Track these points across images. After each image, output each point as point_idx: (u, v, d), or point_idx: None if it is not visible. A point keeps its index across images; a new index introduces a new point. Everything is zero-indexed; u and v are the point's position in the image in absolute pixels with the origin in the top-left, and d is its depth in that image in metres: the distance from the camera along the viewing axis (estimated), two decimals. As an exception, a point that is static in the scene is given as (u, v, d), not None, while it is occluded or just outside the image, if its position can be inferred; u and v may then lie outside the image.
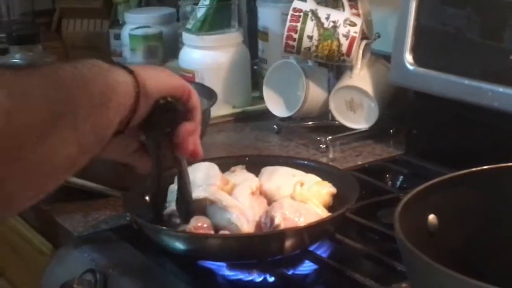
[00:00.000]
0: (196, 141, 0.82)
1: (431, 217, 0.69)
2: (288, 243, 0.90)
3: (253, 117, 1.49)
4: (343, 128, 1.36)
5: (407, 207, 0.66)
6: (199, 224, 0.93)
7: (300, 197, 0.96)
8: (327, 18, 1.30)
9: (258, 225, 0.94)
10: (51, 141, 0.61)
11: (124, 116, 0.71)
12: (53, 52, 1.76)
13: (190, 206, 0.89)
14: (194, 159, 0.84)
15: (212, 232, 0.93)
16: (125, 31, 1.70)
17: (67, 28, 1.95)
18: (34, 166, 0.61)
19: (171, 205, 0.99)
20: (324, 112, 1.39)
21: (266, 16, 1.53)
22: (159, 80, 0.77)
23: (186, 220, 0.91)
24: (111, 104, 0.68)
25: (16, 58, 1.58)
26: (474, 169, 0.72)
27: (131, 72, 0.72)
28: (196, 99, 0.82)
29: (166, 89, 0.77)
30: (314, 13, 1.30)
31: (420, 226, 0.67)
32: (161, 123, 0.79)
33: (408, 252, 0.59)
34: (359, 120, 1.35)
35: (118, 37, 1.76)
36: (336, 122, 1.37)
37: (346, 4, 1.32)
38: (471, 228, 0.70)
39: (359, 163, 1.27)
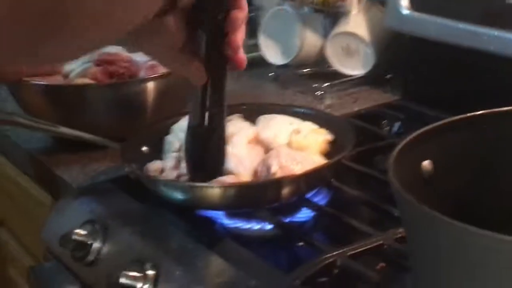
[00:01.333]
0: (241, 41, 0.77)
1: (426, 163, 0.68)
2: (285, 190, 0.90)
3: (250, 65, 1.47)
4: (339, 74, 1.36)
5: (402, 153, 0.65)
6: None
7: (296, 145, 0.97)
8: (322, -36, 1.29)
9: (255, 173, 0.95)
10: None
11: None
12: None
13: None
14: (240, 65, 0.79)
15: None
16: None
17: None
18: None
19: (166, 157, 1.00)
20: (321, 59, 1.39)
21: (261, -38, 1.52)
22: None
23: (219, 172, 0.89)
24: None
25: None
26: (470, 114, 0.71)
27: None
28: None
29: None
30: (309, -42, 1.29)
31: (415, 172, 0.67)
32: (213, 6, 0.73)
33: (402, 199, 0.60)
34: (355, 66, 1.35)
35: None
36: (333, 68, 1.36)
37: (341, -52, 1.30)
38: (468, 174, 0.70)
39: (356, 109, 1.27)
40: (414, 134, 0.68)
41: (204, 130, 0.85)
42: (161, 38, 0.69)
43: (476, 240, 0.53)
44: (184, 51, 0.76)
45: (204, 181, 0.89)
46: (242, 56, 0.78)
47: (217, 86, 0.82)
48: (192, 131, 0.87)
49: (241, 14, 0.76)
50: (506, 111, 0.73)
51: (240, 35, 0.77)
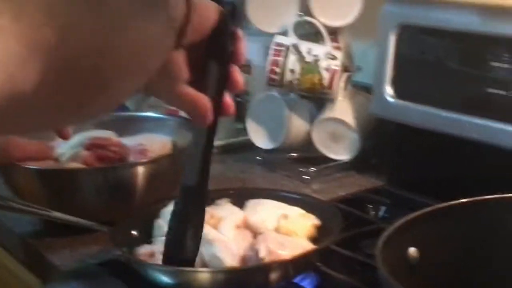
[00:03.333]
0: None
1: (412, 250, 0.70)
2: (273, 275, 0.91)
3: (237, 149, 1.51)
4: (326, 159, 1.39)
5: (388, 240, 0.67)
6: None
7: (284, 230, 0.98)
8: (309, 52, 1.33)
9: (243, 258, 0.96)
10: (133, 21, 0.57)
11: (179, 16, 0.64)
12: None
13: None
14: (239, 88, 0.73)
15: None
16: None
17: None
18: (127, 41, 0.56)
19: (156, 241, 1.01)
20: (307, 143, 1.41)
21: (249, 49, 1.54)
22: (206, 1, 0.70)
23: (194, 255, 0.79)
24: (168, 5, 0.62)
25: None
26: (452, 202, 0.74)
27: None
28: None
29: (214, 5, 0.70)
30: (296, 47, 1.33)
31: (401, 259, 0.69)
32: (226, 36, 0.69)
33: (390, 286, 0.61)
34: (341, 151, 1.38)
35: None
36: (320, 153, 1.39)
37: (326, 37, 1.35)
38: (451, 260, 0.72)
39: (342, 194, 1.29)
40: (399, 222, 0.71)
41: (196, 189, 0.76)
42: (164, 77, 0.70)
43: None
44: (188, 89, 0.72)
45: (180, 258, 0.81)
46: (241, 81, 0.73)
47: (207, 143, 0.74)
48: (183, 193, 0.78)
49: (243, 46, 0.73)
50: (484, 199, 0.76)
51: (239, 73, 0.73)
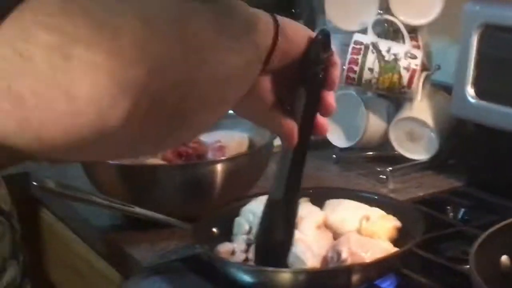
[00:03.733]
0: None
1: (504, 258, 0.69)
2: (355, 278, 0.91)
3: (313, 147, 1.50)
4: (402, 158, 1.37)
5: (481, 247, 0.67)
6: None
7: (366, 232, 0.98)
8: (388, 51, 1.32)
9: (324, 259, 0.96)
10: (220, 54, 0.57)
11: (266, 46, 0.65)
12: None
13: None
14: (330, 113, 0.73)
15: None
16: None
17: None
18: (209, 79, 0.56)
19: (236, 239, 1.01)
20: (384, 142, 1.40)
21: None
22: (296, 23, 0.70)
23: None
24: (259, 30, 0.63)
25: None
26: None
27: (270, 14, 0.67)
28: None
29: (304, 31, 0.70)
30: (375, 46, 1.32)
31: (493, 266, 0.68)
32: (317, 63, 0.69)
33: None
34: (419, 151, 1.36)
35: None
36: (396, 152, 1.38)
37: (406, 36, 1.33)
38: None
39: (420, 194, 1.28)
40: (492, 229, 0.70)
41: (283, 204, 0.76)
42: (251, 100, 0.68)
43: None
44: (276, 110, 0.73)
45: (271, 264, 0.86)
46: (334, 106, 0.73)
47: (297, 164, 0.75)
48: (269, 205, 0.78)
49: (338, 71, 0.73)
50: None
51: (333, 97, 0.73)
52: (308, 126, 0.72)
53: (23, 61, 0.46)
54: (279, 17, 0.68)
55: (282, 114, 0.74)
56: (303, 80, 0.71)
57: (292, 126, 0.72)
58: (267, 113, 0.74)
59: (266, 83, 0.70)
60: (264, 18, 0.66)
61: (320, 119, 0.74)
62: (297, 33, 0.70)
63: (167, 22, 0.53)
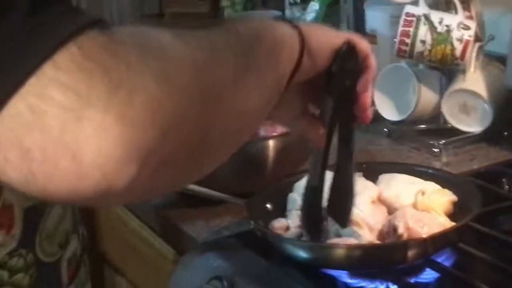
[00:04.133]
0: (370, 99, 0.79)
1: None
2: (411, 253, 0.91)
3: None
4: (455, 131, 1.36)
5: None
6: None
7: (422, 206, 0.97)
8: (440, 22, 1.30)
9: (380, 233, 0.95)
10: (240, 94, 0.59)
11: (289, 70, 0.69)
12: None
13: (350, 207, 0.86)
14: (365, 122, 0.81)
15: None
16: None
17: (175, 33, 2.00)
18: (228, 120, 0.57)
19: (290, 215, 1.01)
20: (436, 115, 1.39)
21: (375, 19, 1.53)
22: (323, 34, 0.74)
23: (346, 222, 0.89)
24: (282, 57, 0.66)
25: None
26: None
27: (294, 26, 0.70)
28: (365, 46, 0.77)
29: (334, 44, 0.74)
30: (427, 17, 1.30)
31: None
32: (342, 74, 0.75)
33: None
34: (472, 123, 1.34)
35: (226, 41, 1.80)
36: (448, 125, 1.36)
37: (459, 7, 1.31)
38: None
39: (474, 167, 1.27)
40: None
41: (321, 190, 0.86)
42: (278, 108, 0.71)
43: None
44: (304, 115, 0.80)
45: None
46: (369, 114, 0.80)
47: (344, 142, 0.83)
48: (309, 190, 0.88)
49: (370, 75, 0.78)
50: None
51: (368, 96, 0.79)
52: (332, 131, 0.79)
53: (35, 118, 0.45)
54: (304, 29, 0.70)
55: (310, 119, 0.80)
56: (328, 88, 0.77)
57: (319, 131, 0.78)
58: (295, 118, 0.80)
59: (293, 92, 0.73)
60: (289, 39, 0.68)
61: (367, 113, 0.79)
62: (322, 46, 0.73)
63: (186, 78, 0.51)
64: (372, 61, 0.79)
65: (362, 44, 0.77)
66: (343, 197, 0.85)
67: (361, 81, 0.77)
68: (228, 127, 0.58)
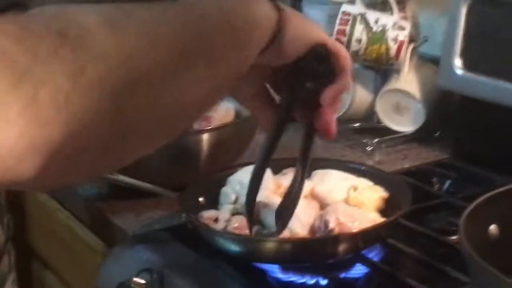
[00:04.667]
0: (334, 114, 0.76)
1: (493, 227, 0.70)
2: (342, 247, 0.91)
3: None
4: (388, 130, 1.37)
5: (470, 217, 0.67)
6: (237, 224, 0.95)
7: (353, 202, 0.98)
8: (376, 22, 1.31)
9: (312, 228, 0.96)
10: (184, 80, 0.55)
11: (255, 54, 0.65)
12: None
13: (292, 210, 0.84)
14: (328, 136, 0.78)
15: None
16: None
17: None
18: (158, 112, 0.54)
19: (222, 209, 1.01)
20: (370, 114, 1.40)
21: (312, 18, 1.54)
22: (304, 26, 0.70)
23: (283, 227, 0.87)
24: (250, 41, 0.62)
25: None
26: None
27: (277, 8, 0.66)
28: (345, 59, 0.73)
29: (310, 40, 0.70)
30: (363, 16, 1.31)
31: (482, 236, 0.68)
32: (304, 74, 0.72)
33: (474, 263, 0.61)
34: (405, 123, 1.36)
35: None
36: (382, 124, 1.38)
37: (394, 7, 1.33)
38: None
39: (406, 166, 1.28)
40: (480, 199, 0.70)
41: (254, 182, 0.83)
42: (246, 82, 0.70)
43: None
44: (261, 96, 0.76)
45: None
46: (331, 130, 0.78)
47: (303, 150, 0.83)
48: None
49: (339, 89, 0.74)
50: None
51: (331, 112, 0.76)
52: (285, 122, 0.77)
53: None
54: (287, 14, 0.66)
55: (265, 103, 0.77)
56: (286, 86, 0.74)
57: (267, 117, 0.77)
58: (252, 96, 0.75)
59: (255, 71, 0.68)
60: (264, 22, 0.64)
61: (329, 128, 0.78)
62: (298, 37, 0.69)
63: (103, 71, 0.48)
64: (347, 76, 0.74)
65: (341, 54, 0.73)
66: (290, 204, 0.84)
67: (327, 92, 0.73)
68: (158, 119, 0.55)
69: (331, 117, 0.76)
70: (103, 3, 0.52)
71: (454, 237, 0.95)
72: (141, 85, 0.51)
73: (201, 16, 0.57)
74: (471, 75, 1.20)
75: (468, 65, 1.20)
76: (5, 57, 0.44)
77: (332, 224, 0.92)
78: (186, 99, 0.57)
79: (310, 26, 0.72)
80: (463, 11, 1.20)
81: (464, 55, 1.21)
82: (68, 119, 0.46)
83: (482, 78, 1.18)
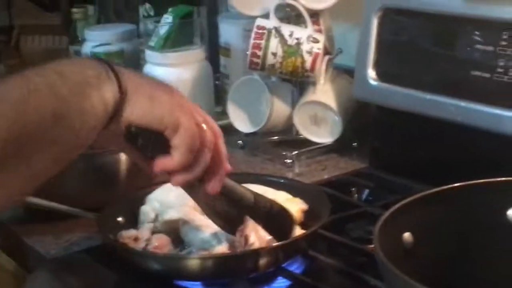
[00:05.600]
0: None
1: (407, 235, 0.71)
2: (263, 261, 0.91)
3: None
4: (307, 142, 1.38)
5: (384, 225, 0.68)
6: (157, 244, 0.95)
7: (272, 215, 0.98)
8: (291, 35, 1.32)
9: (232, 244, 0.95)
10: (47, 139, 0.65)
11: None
12: (12, 69, 1.74)
13: None
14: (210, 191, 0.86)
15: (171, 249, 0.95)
16: (86, 49, 1.69)
17: (26, 45, 1.94)
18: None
19: (142, 227, 1.00)
20: (289, 126, 1.41)
21: (228, 32, 1.55)
22: (143, 107, 0.75)
23: None
24: (80, 132, 0.70)
25: (-23, 78, 1.56)
26: (445, 187, 0.74)
27: (120, 86, 0.72)
28: (182, 139, 0.78)
29: (145, 120, 0.76)
30: (278, 30, 1.32)
31: (397, 244, 0.69)
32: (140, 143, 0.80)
33: (388, 271, 0.61)
34: (323, 134, 1.37)
35: (78, 54, 1.76)
36: (301, 136, 1.39)
37: (308, 20, 1.34)
38: (445, 244, 0.73)
39: (325, 177, 1.29)
40: (394, 207, 0.71)
41: None
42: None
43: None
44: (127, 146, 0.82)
45: None
46: (214, 187, 0.86)
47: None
48: None
49: (167, 162, 0.80)
50: (476, 184, 0.76)
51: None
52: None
53: None
54: (131, 89, 0.73)
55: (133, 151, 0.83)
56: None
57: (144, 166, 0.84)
58: (124, 144, 0.81)
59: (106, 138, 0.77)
60: (106, 99, 0.71)
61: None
62: (138, 114, 0.74)
63: None
64: (178, 156, 0.79)
65: (179, 134, 0.78)
66: None
67: (157, 163, 0.80)
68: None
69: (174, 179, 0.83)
70: None
71: (372, 245, 0.96)
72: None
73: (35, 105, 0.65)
74: (384, 85, 1.22)
75: (382, 76, 1.23)
76: None
77: (252, 239, 0.92)
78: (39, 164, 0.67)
79: (145, 106, 0.76)
80: (375, 22, 1.23)
81: (377, 65, 1.23)
82: None
83: (396, 88, 1.21)
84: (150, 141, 0.79)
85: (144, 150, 0.81)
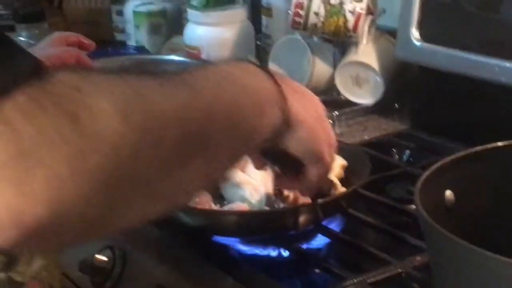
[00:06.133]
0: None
1: (448, 193, 0.70)
2: (302, 218, 0.92)
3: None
4: (348, 102, 1.38)
5: (425, 184, 0.67)
6: (197, 200, 0.96)
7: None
8: (334, -5, 1.31)
9: (271, 200, 0.96)
10: (181, 175, 0.55)
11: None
12: (55, 28, 1.76)
13: None
14: None
15: (212, 206, 0.95)
16: (128, 8, 1.70)
17: (69, 4, 1.95)
18: (146, 203, 0.53)
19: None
20: (330, 87, 1.41)
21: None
22: (302, 142, 0.76)
23: None
24: (254, 135, 0.66)
25: (22, 36, 1.58)
26: (488, 145, 0.73)
27: (286, 116, 0.71)
28: (317, 172, 0.81)
29: (299, 152, 0.77)
30: (321, -11, 1.31)
31: (438, 201, 0.69)
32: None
33: (430, 228, 0.61)
34: (364, 95, 1.37)
35: (120, 13, 1.77)
36: (342, 97, 1.38)
37: (351, -21, 1.33)
38: (487, 203, 0.72)
39: (366, 137, 1.29)
40: (436, 165, 0.70)
41: None
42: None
43: (495, 265, 0.55)
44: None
45: None
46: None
47: None
48: None
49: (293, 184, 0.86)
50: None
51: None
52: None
53: None
54: (298, 119, 0.73)
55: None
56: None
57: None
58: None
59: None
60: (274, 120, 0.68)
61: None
62: (298, 144, 0.75)
63: (101, 161, 0.47)
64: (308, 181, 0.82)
65: (312, 170, 0.81)
66: None
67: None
68: (145, 209, 0.53)
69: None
70: (120, 80, 0.51)
71: (412, 206, 0.96)
72: (139, 182, 0.50)
73: (208, 107, 0.57)
74: (428, 46, 1.21)
75: (425, 36, 1.21)
76: (8, 129, 0.44)
77: (292, 195, 0.92)
78: (183, 190, 0.56)
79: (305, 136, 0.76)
80: (419, -19, 1.21)
81: (421, 26, 1.22)
82: (59, 202, 0.46)
83: (439, 48, 1.19)
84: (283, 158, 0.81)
85: (275, 162, 0.84)
